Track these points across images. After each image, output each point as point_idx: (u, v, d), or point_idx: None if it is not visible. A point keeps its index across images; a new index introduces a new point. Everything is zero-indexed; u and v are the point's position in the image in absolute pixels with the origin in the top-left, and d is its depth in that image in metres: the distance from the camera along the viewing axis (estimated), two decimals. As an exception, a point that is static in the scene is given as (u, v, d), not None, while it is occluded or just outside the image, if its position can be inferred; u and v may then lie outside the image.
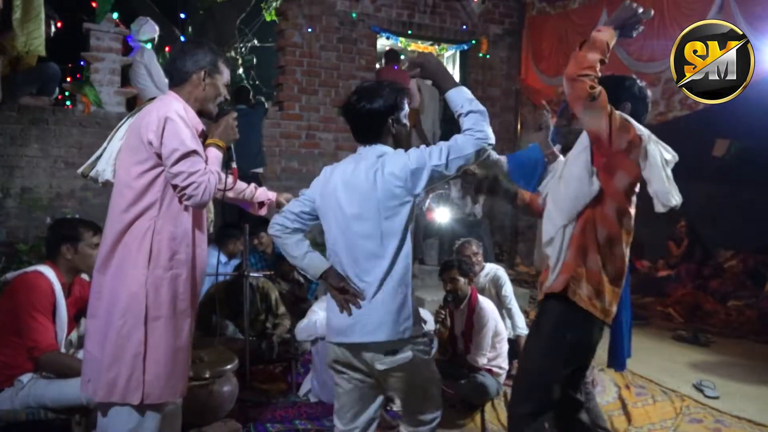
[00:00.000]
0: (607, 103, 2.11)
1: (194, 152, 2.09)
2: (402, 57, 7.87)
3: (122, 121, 2.40)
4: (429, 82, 2.67)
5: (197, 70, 2.22)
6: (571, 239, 2.23)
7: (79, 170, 2.45)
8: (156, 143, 2.07)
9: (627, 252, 2.28)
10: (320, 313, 3.63)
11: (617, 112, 2.15)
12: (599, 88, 2.08)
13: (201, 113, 2.28)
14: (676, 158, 2.19)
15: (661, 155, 2.14)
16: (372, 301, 2.12)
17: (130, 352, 2.08)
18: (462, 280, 3.82)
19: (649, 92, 2.38)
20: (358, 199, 2.14)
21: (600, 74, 2.12)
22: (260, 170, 5.92)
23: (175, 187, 2.10)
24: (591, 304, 2.20)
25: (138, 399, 2.09)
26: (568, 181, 2.27)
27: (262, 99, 6.87)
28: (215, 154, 2.23)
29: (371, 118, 2.18)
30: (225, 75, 2.30)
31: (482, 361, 3.71)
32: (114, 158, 2.33)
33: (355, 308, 2.14)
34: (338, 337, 2.20)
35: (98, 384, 2.10)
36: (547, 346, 2.28)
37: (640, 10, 2.19)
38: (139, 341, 2.09)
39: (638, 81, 2.37)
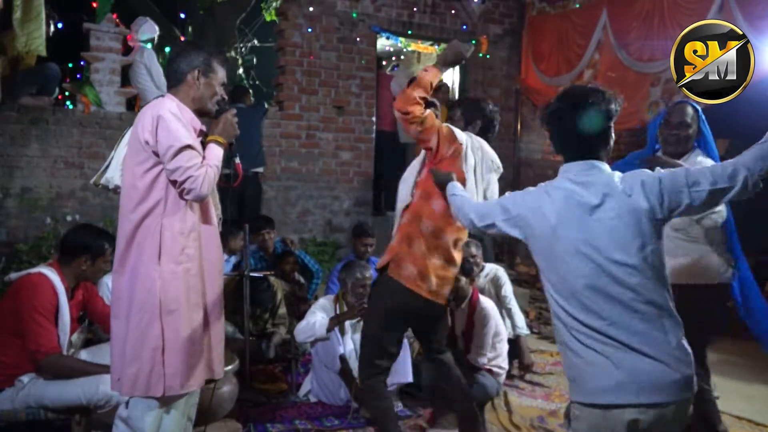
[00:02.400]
0: (435, 120, 2.67)
1: (189, 147, 2.13)
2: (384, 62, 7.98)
3: (127, 129, 2.45)
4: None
5: (191, 70, 2.26)
6: (399, 227, 2.79)
7: (91, 181, 2.55)
8: (152, 142, 2.12)
9: (459, 241, 2.76)
10: (319, 315, 3.61)
11: (445, 125, 2.71)
12: (425, 113, 2.63)
13: (200, 112, 2.31)
14: (500, 168, 2.83)
15: (474, 160, 2.67)
16: (659, 340, 1.76)
17: (149, 347, 2.14)
18: (463, 279, 3.82)
19: (497, 116, 2.94)
20: (619, 238, 1.78)
21: (424, 104, 2.65)
22: (260, 170, 5.92)
23: (174, 182, 2.15)
24: (415, 284, 2.65)
25: (160, 392, 2.14)
26: (401, 183, 2.90)
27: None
28: (215, 150, 2.26)
29: (593, 127, 1.81)
30: (220, 74, 2.32)
31: (482, 361, 3.71)
32: (121, 164, 2.39)
33: (650, 348, 1.73)
34: (638, 395, 1.66)
35: (123, 379, 2.16)
36: (372, 313, 2.83)
37: (465, 50, 2.69)
38: (156, 335, 2.14)
39: (490, 104, 2.94)
